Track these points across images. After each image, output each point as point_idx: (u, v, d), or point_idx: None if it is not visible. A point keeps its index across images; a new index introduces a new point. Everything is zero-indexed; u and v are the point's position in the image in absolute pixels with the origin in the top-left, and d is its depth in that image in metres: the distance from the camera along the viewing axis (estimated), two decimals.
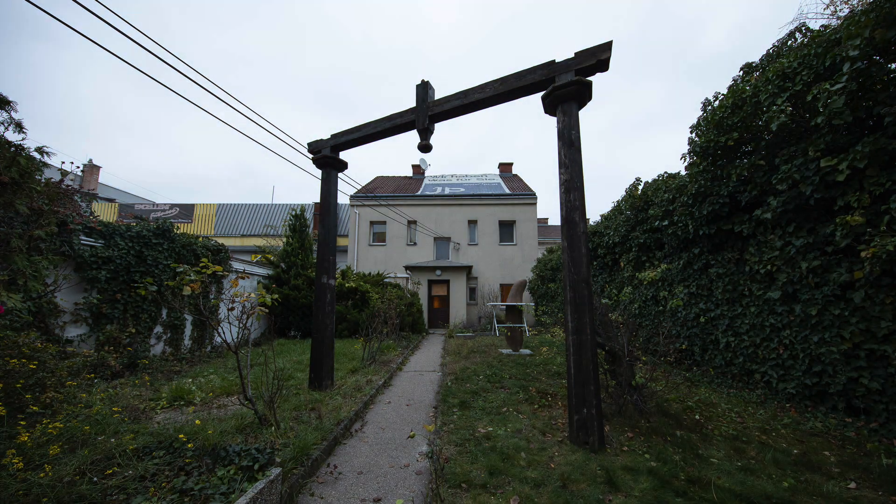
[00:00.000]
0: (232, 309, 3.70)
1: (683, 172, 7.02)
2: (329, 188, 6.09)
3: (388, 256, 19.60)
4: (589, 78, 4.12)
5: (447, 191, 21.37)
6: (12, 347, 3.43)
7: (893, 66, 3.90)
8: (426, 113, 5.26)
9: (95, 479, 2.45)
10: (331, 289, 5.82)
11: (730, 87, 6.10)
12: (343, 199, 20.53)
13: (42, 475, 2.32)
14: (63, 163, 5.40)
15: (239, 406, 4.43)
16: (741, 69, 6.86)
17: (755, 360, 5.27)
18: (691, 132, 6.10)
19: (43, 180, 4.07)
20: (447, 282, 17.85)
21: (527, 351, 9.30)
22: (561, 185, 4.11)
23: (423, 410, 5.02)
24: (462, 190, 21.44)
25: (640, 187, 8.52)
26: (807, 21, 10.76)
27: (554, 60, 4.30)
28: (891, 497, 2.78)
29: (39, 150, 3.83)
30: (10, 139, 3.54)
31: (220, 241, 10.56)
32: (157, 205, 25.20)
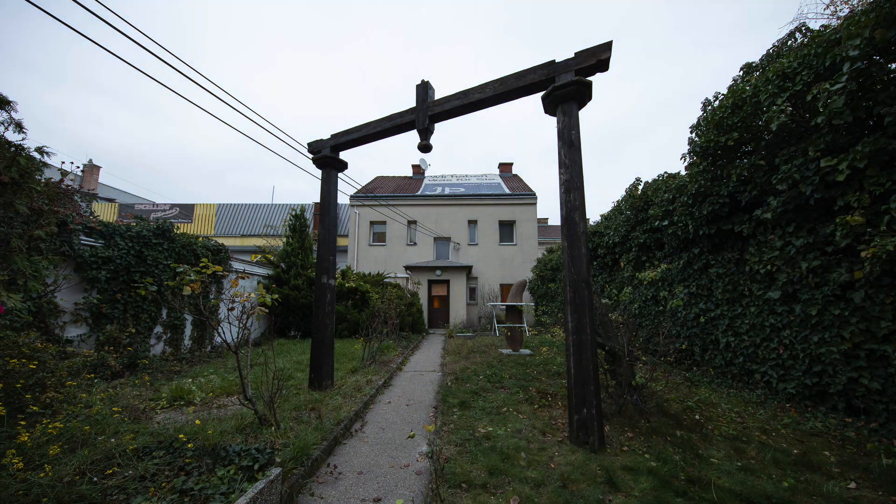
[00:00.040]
0: (232, 309, 3.70)
1: (683, 172, 7.02)
2: (329, 188, 6.09)
3: (388, 256, 19.60)
4: (589, 78, 4.12)
5: (447, 191, 21.37)
6: (12, 347, 3.43)
7: (893, 66, 3.90)
8: (426, 113, 5.26)
9: (95, 479, 2.45)
10: (331, 289, 5.82)
11: (730, 87, 6.10)
12: (343, 199, 20.55)
13: (42, 475, 2.32)
14: (63, 163, 5.40)
15: (239, 406, 4.43)
16: (741, 69, 6.86)
17: (755, 360, 5.27)
18: (691, 132, 6.10)
19: (43, 180, 4.07)
20: (447, 282, 17.85)
21: (527, 351, 9.30)
22: (561, 185, 4.11)
23: (423, 410, 5.02)
24: (462, 190, 21.44)
25: (640, 187, 8.52)
26: (807, 21, 10.77)
27: (554, 60, 4.30)
28: (891, 497, 2.78)
29: (39, 149, 3.83)
30: (10, 139, 3.54)
31: (220, 241, 10.56)
32: (157, 205, 25.20)
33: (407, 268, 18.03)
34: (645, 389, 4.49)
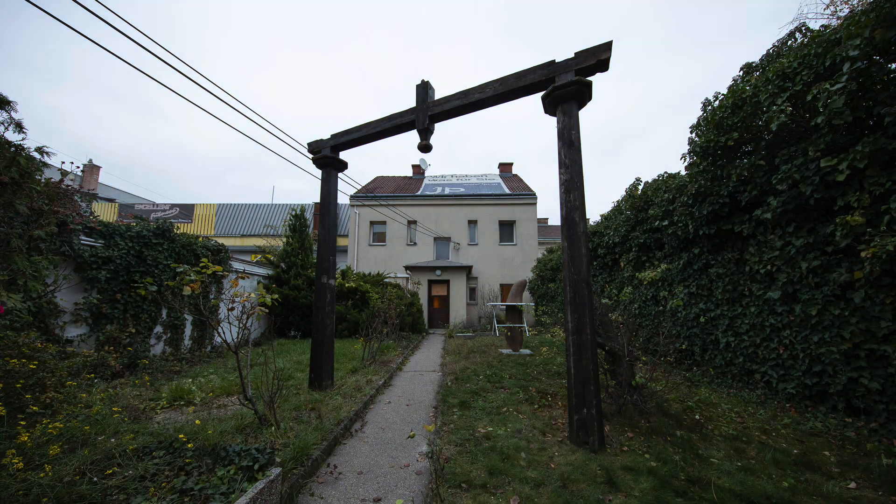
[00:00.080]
0: (232, 309, 3.70)
1: (683, 172, 7.02)
2: (329, 188, 6.09)
3: (388, 256, 19.60)
4: (589, 78, 4.12)
5: (447, 191, 21.37)
6: (12, 347, 3.43)
7: (893, 66, 3.90)
8: (426, 113, 5.26)
9: (95, 479, 2.45)
10: (331, 289, 5.82)
11: (730, 87, 6.10)
12: (343, 199, 20.55)
13: (42, 475, 2.32)
14: (63, 163, 5.40)
15: (239, 406, 4.43)
16: (741, 69, 6.86)
17: (755, 360, 5.27)
18: (691, 132, 6.10)
19: (43, 180, 4.07)
20: (447, 282, 17.85)
21: (527, 351, 9.30)
22: (561, 185, 4.11)
23: (423, 410, 5.02)
24: (462, 190, 21.44)
25: (640, 187, 8.52)
26: (807, 21, 10.77)
27: (554, 60, 4.30)
28: (891, 497, 2.78)
29: (39, 150, 3.84)
30: (10, 139, 3.55)
31: (220, 241, 10.56)
32: (157, 205, 25.21)
33: (407, 268, 18.03)
34: (645, 389, 4.49)
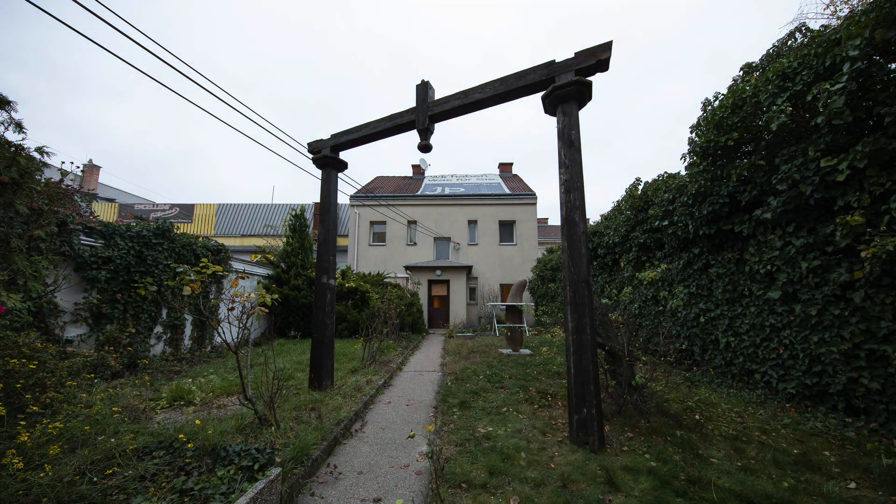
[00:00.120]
0: (232, 309, 3.70)
1: (683, 172, 7.02)
2: (329, 188, 6.08)
3: (388, 256, 19.60)
4: (589, 78, 4.12)
5: (447, 191, 21.37)
6: (12, 347, 3.43)
7: (893, 66, 3.90)
8: (426, 113, 5.26)
9: (95, 479, 2.45)
10: (331, 289, 5.82)
11: (730, 87, 6.10)
12: (343, 199, 20.56)
13: (42, 475, 2.32)
14: (63, 163, 5.40)
15: (239, 406, 4.43)
16: (741, 69, 6.86)
17: (755, 360, 5.27)
18: (691, 132, 6.10)
19: (43, 180, 4.07)
20: (447, 282, 17.85)
21: (527, 351, 9.30)
22: (561, 185, 4.11)
23: (423, 410, 5.02)
24: (462, 190, 21.44)
25: (640, 187, 8.52)
26: (807, 21, 10.75)
27: (554, 60, 4.30)
28: (891, 497, 2.78)
29: (39, 149, 3.84)
30: (10, 139, 3.55)
31: (220, 241, 10.56)
32: (157, 205, 25.20)
33: (407, 268, 18.03)
34: (645, 389, 4.49)
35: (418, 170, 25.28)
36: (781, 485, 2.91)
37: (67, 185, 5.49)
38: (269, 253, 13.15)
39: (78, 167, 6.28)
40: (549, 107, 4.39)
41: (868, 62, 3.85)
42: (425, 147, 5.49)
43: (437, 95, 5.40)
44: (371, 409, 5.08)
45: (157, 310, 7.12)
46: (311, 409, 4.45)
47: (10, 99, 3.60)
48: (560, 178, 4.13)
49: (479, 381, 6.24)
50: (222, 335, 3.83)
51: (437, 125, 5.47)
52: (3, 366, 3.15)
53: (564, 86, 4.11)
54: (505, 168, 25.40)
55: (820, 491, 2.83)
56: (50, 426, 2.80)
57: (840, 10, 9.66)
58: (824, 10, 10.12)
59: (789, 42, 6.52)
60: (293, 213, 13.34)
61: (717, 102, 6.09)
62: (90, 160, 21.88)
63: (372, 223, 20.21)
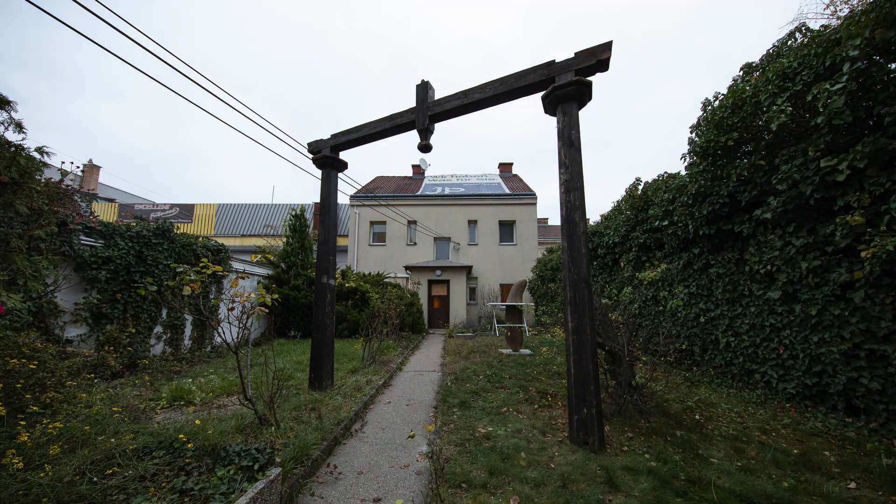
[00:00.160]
0: (232, 309, 3.70)
1: (683, 172, 7.02)
2: (329, 188, 6.09)
3: (388, 256, 19.60)
4: (589, 78, 4.12)
5: (447, 191, 21.37)
6: (12, 347, 3.43)
7: (893, 66, 3.90)
8: (426, 113, 5.26)
9: (95, 479, 2.45)
10: (331, 289, 5.82)
11: (730, 87, 6.10)
12: (343, 199, 20.57)
13: (42, 475, 2.32)
14: (63, 163, 5.41)
15: (239, 406, 4.43)
16: (741, 69, 6.86)
17: (755, 360, 5.27)
18: (691, 132, 6.10)
19: (43, 180, 4.07)
20: (447, 282, 17.84)
21: (527, 351, 9.30)
22: (561, 185, 4.11)
23: (423, 410, 5.02)
24: (462, 190, 21.43)
25: (640, 187, 8.52)
26: (807, 21, 10.76)
27: (554, 60, 4.30)
28: (891, 497, 2.78)
29: (39, 149, 3.84)
30: (10, 139, 3.54)
31: (220, 241, 10.56)
32: (157, 205, 25.20)
33: (407, 268, 18.03)
34: (645, 389, 4.49)
35: (418, 170, 25.28)
36: (781, 485, 2.91)
37: (67, 185, 5.49)
38: (269, 253, 13.16)
39: (78, 167, 6.29)
40: (549, 107, 4.39)
41: (868, 62, 3.85)
42: (425, 147, 5.49)
43: (437, 95, 5.40)
44: (371, 409, 5.08)
45: (157, 310, 7.12)
46: (311, 409, 4.45)
47: (10, 99, 3.59)
48: (560, 178, 4.13)
49: (479, 381, 6.24)
50: (222, 335, 3.83)
51: (437, 125, 5.47)
52: (3, 366, 3.16)
53: (564, 86, 4.11)
54: (505, 168, 25.39)
55: (820, 491, 2.84)
56: (50, 426, 2.80)
57: (840, 10, 9.66)
58: (824, 10, 10.13)
59: (789, 42, 6.52)
60: (293, 213, 13.35)
61: (717, 102, 6.09)
62: (90, 160, 21.87)
63: (372, 223, 20.21)
